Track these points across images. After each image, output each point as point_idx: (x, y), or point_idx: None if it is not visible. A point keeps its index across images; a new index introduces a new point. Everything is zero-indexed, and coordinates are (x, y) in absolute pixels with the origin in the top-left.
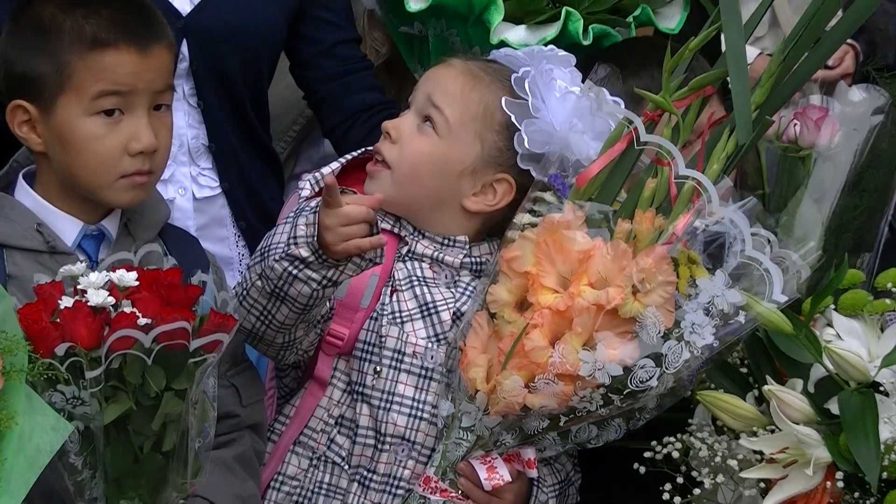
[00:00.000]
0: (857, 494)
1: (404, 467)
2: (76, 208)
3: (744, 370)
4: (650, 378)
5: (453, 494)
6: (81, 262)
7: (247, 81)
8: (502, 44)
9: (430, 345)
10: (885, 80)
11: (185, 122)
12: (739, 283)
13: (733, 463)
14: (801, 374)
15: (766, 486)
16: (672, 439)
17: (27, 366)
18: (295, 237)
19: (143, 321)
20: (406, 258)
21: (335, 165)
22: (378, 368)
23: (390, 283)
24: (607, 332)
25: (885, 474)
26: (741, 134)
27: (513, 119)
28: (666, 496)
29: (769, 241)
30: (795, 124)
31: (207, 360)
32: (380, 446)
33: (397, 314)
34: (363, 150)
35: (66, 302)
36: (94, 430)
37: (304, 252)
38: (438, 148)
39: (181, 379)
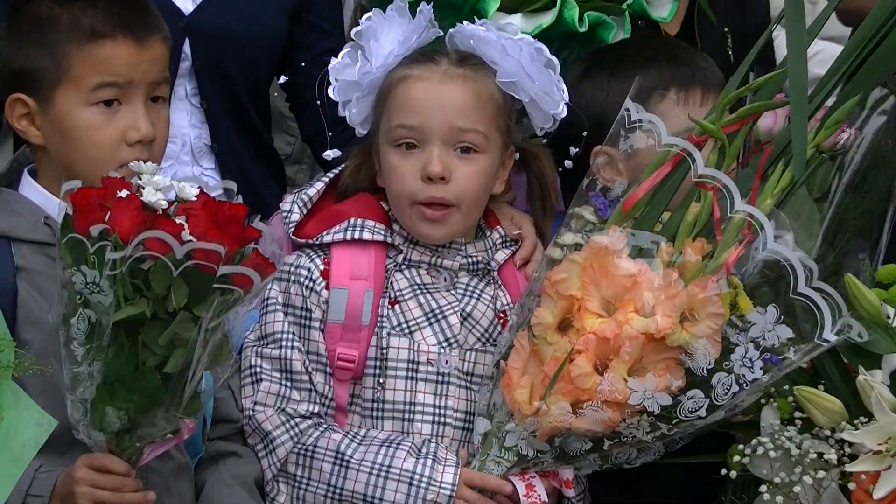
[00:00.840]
0: None
1: None
2: None
3: (805, 366)
4: (699, 409)
5: None
6: (153, 166)
7: (248, 82)
8: None
9: (441, 350)
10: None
11: (188, 122)
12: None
13: (832, 456)
14: (873, 365)
15: (845, 482)
16: (741, 447)
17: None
18: None
19: (186, 236)
20: (402, 267)
21: (319, 185)
22: (381, 380)
23: (387, 294)
24: (653, 359)
25: None
26: (797, 170)
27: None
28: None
29: (811, 271)
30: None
31: (234, 294)
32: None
33: (404, 325)
34: (343, 166)
35: (123, 194)
36: (103, 325)
37: None
38: (486, 164)
39: (203, 306)
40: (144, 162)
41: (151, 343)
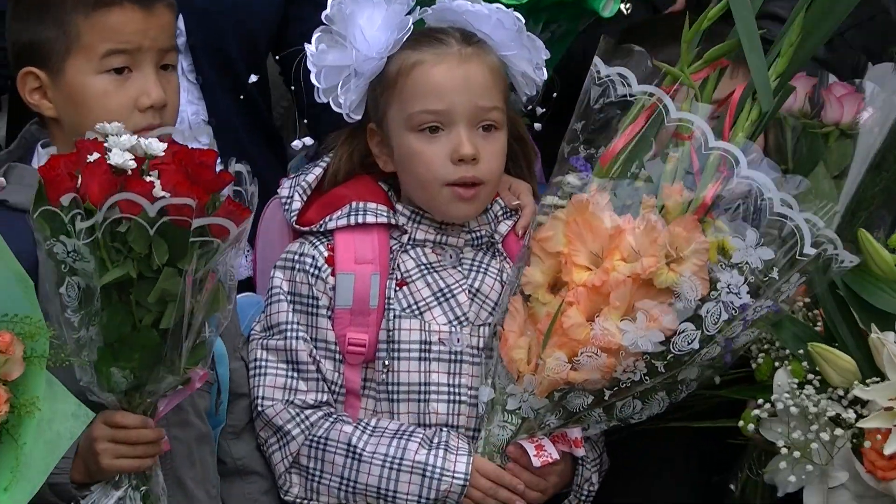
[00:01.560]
0: None
1: None
2: None
3: (817, 328)
4: (692, 342)
5: None
6: (118, 126)
7: (245, 57)
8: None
9: (453, 329)
10: None
11: (185, 99)
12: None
13: (849, 416)
14: (887, 326)
15: (858, 443)
16: (761, 402)
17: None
18: None
19: (159, 193)
20: (408, 247)
21: (318, 171)
22: (387, 362)
23: (393, 276)
24: (645, 301)
25: None
26: (763, 102)
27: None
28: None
29: (791, 206)
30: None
31: (213, 244)
32: None
33: (413, 306)
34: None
35: (92, 157)
36: (93, 289)
37: None
38: (504, 140)
39: (184, 259)
40: (155, 130)
41: (143, 301)
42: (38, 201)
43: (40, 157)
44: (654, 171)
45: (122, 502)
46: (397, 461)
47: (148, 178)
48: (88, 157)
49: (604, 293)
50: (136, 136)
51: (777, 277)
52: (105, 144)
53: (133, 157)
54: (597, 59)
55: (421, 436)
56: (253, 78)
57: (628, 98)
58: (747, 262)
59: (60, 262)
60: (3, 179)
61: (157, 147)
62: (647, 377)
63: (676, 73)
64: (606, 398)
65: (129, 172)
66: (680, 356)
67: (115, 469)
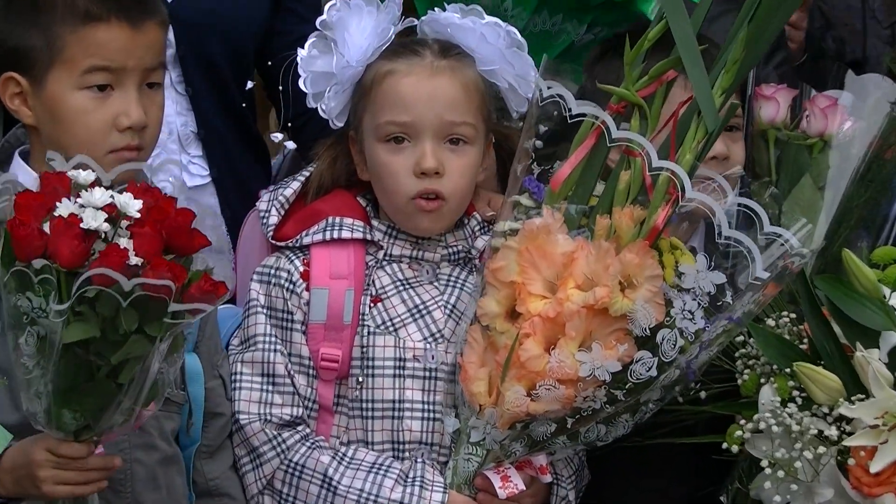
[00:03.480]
0: None
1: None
2: None
3: (803, 348)
4: (650, 369)
5: None
6: (88, 174)
7: (233, 69)
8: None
9: (428, 346)
10: None
11: (174, 110)
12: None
13: (832, 433)
14: (871, 343)
15: (843, 459)
16: (743, 422)
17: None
18: None
19: (133, 261)
20: (384, 262)
21: (295, 185)
22: (360, 380)
23: (368, 292)
24: (602, 331)
25: None
26: (708, 121)
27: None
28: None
29: (758, 215)
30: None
31: (185, 321)
32: (399, 454)
33: (388, 322)
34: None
35: (63, 210)
36: (53, 342)
37: None
38: (475, 155)
39: (154, 325)
40: (136, 150)
41: (102, 357)
42: (4, 254)
43: (18, 165)
44: (607, 189)
45: None
46: (372, 497)
47: (122, 243)
48: (58, 205)
49: (559, 323)
50: (109, 192)
51: (731, 301)
52: (79, 200)
53: (106, 216)
54: (538, 80)
55: (397, 471)
56: (249, 84)
57: (573, 118)
58: (699, 286)
59: (23, 314)
60: None
61: (133, 206)
62: (607, 405)
63: (622, 93)
64: (569, 426)
65: (103, 235)
66: (638, 384)
67: (56, 495)
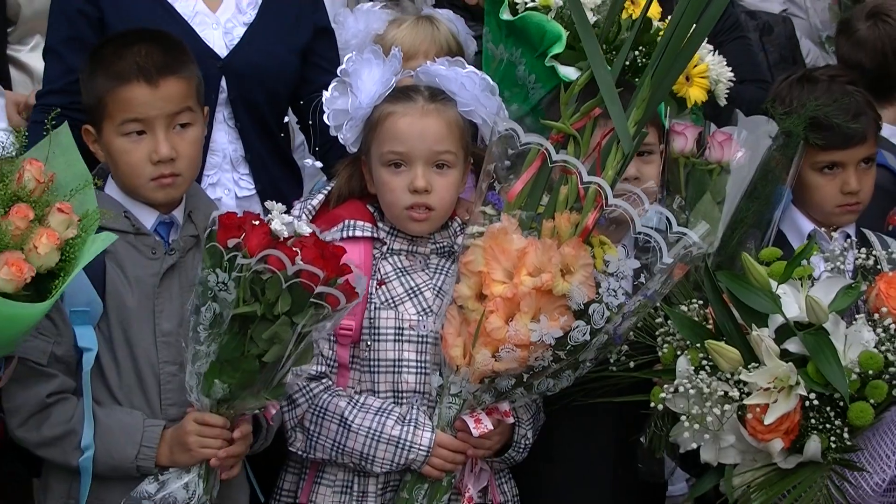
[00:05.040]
0: (828, 409)
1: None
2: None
3: (709, 327)
4: (584, 335)
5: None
6: (282, 207)
7: (271, 108)
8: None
9: (420, 318)
10: (779, 115)
11: (227, 139)
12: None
13: (734, 394)
14: (762, 324)
15: (742, 414)
16: (668, 387)
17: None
18: None
19: (297, 259)
20: (387, 255)
21: (321, 197)
22: (369, 343)
23: (375, 277)
24: (547, 306)
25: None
26: (625, 146)
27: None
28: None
29: (668, 220)
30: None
31: (325, 310)
32: (399, 401)
33: (390, 300)
34: (335, 180)
35: (257, 222)
36: (224, 317)
37: None
38: (456, 175)
39: (300, 314)
40: (173, 176)
41: (257, 337)
42: (208, 239)
43: (110, 185)
44: (551, 199)
45: (189, 484)
46: (377, 433)
47: (297, 251)
48: (255, 220)
49: (515, 302)
50: (291, 217)
51: (644, 282)
52: (270, 216)
53: (286, 229)
54: (496, 119)
55: (397, 414)
56: (286, 119)
57: (522, 146)
58: (620, 271)
59: (209, 289)
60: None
61: (305, 229)
62: (553, 363)
63: (560, 126)
64: (525, 380)
65: (281, 239)
66: (576, 346)
67: (198, 455)
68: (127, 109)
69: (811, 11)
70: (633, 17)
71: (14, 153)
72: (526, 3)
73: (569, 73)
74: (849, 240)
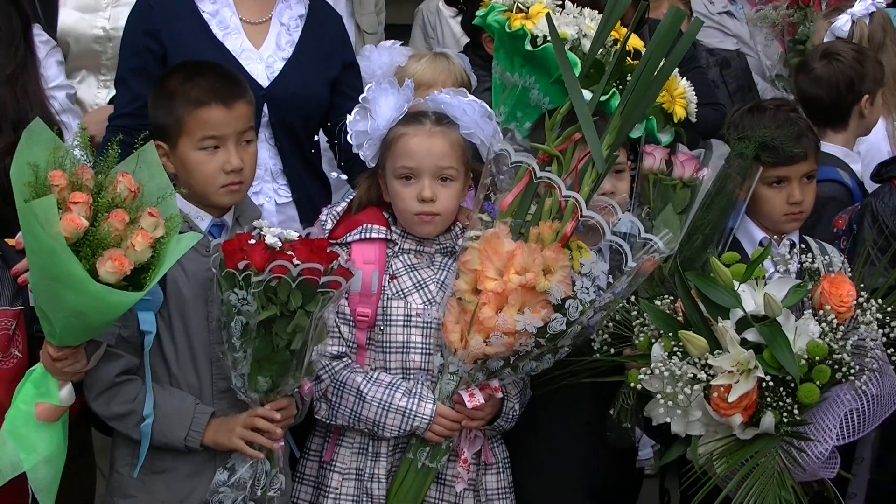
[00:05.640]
0: (781, 389)
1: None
2: (207, 209)
3: (679, 319)
4: (561, 325)
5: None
6: (267, 223)
7: (305, 130)
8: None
9: (426, 307)
10: (734, 140)
11: (268, 155)
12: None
13: (702, 376)
14: (725, 317)
15: (708, 393)
16: (646, 369)
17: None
18: None
19: (295, 261)
20: (398, 253)
21: (343, 204)
22: (382, 328)
23: (388, 272)
24: (531, 301)
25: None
26: (599, 167)
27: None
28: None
29: (639, 229)
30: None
31: (330, 294)
32: (406, 377)
33: (400, 292)
34: (357, 190)
35: (252, 241)
36: (251, 325)
37: None
38: (458, 187)
39: (311, 304)
40: (238, 184)
41: (280, 332)
42: (220, 267)
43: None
44: (537, 210)
45: (254, 465)
46: (387, 404)
47: (288, 253)
48: (250, 240)
49: (505, 296)
50: (278, 229)
51: (612, 281)
52: (262, 233)
53: (278, 240)
54: (492, 141)
55: (405, 388)
56: (316, 138)
57: (513, 164)
58: (592, 272)
59: (232, 307)
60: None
61: (293, 235)
62: (535, 348)
63: (545, 148)
64: (512, 362)
65: (277, 249)
66: (555, 335)
67: (234, 445)
68: (205, 127)
69: (761, 54)
70: (619, 42)
71: (90, 164)
72: (545, 37)
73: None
74: (794, 248)
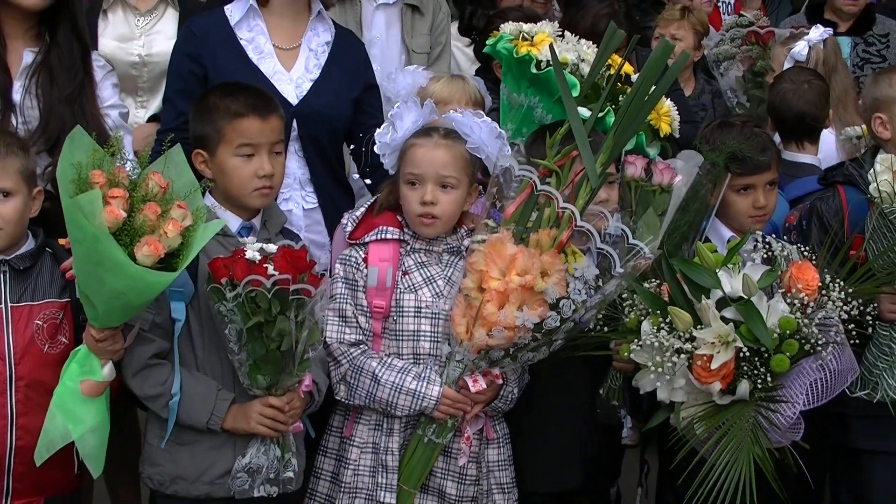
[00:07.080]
0: (757, 360)
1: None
2: (238, 212)
3: (665, 300)
4: (556, 322)
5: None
6: (252, 240)
7: (331, 143)
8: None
9: (434, 300)
10: (706, 151)
11: (297, 165)
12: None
13: (687, 347)
14: (706, 296)
15: (691, 363)
16: (636, 343)
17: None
18: None
19: (270, 272)
20: (410, 252)
21: (363, 209)
22: (395, 318)
23: (401, 269)
24: (529, 299)
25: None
26: (593, 182)
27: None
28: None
29: (626, 234)
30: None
31: (304, 300)
32: (417, 363)
33: (411, 286)
34: (377, 195)
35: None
36: (243, 332)
37: None
38: (458, 195)
39: (289, 309)
40: (269, 188)
41: (269, 335)
42: (208, 282)
43: (209, 199)
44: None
45: (267, 451)
46: (399, 387)
47: (268, 266)
48: (237, 256)
49: (506, 295)
50: (260, 244)
51: (601, 285)
52: (245, 248)
53: (259, 254)
54: (498, 156)
55: (415, 372)
56: (344, 149)
57: (518, 177)
58: (584, 276)
59: (224, 316)
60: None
61: (272, 248)
62: (532, 341)
63: (545, 163)
64: (511, 352)
65: (257, 262)
66: (550, 330)
67: (252, 429)
68: (243, 136)
69: (723, 81)
70: (613, 69)
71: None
72: (548, 61)
73: (582, 111)
74: (756, 244)
